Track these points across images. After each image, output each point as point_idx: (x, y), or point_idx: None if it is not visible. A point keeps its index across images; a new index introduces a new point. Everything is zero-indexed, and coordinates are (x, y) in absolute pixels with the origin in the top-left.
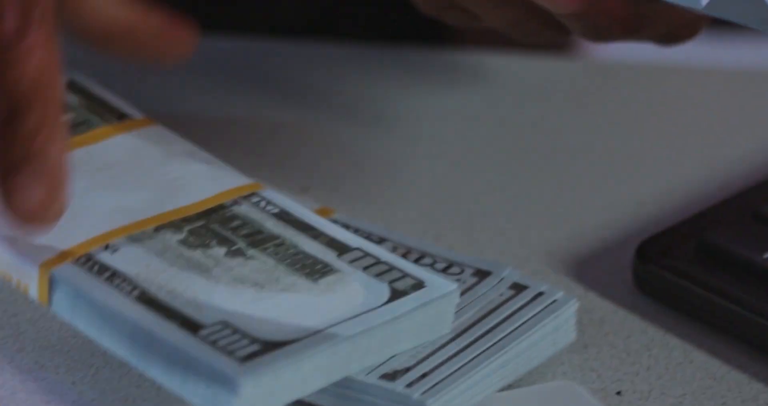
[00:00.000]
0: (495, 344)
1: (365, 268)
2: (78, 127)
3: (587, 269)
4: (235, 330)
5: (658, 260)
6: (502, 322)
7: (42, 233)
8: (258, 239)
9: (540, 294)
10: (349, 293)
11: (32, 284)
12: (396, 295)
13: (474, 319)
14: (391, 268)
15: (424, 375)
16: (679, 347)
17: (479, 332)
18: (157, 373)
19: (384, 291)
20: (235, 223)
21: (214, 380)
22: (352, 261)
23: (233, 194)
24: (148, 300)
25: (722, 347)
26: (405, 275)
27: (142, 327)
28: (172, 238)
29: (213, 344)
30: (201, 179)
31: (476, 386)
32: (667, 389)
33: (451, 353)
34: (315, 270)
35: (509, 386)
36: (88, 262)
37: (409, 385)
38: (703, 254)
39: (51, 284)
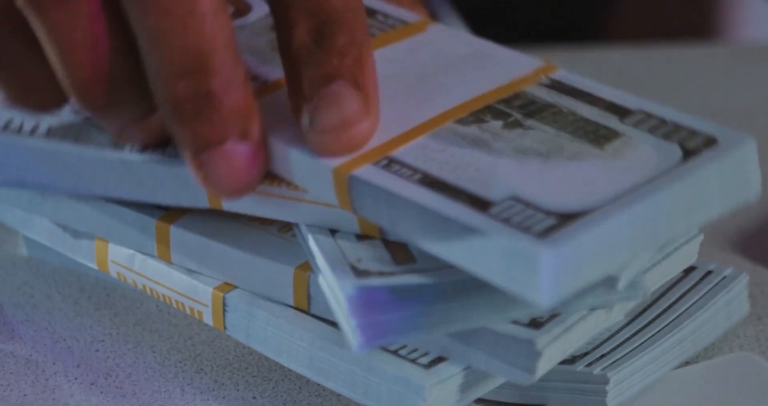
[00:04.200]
0: (670, 323)
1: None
2: None
3: (753, 244)
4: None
5: None
6: (675, 303)
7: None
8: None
9: (709, 273)
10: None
11: (206, 310)
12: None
13: (646, 302)
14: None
15: (602, 356)
16: None
17: (653, 315)
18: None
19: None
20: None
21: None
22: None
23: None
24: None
25: None
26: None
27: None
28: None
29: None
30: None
31: (655, 362)
32: None
33: (626, 336)
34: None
35: (688, 363)
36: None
37: (589, 365)
38: None
39: (225, 308)
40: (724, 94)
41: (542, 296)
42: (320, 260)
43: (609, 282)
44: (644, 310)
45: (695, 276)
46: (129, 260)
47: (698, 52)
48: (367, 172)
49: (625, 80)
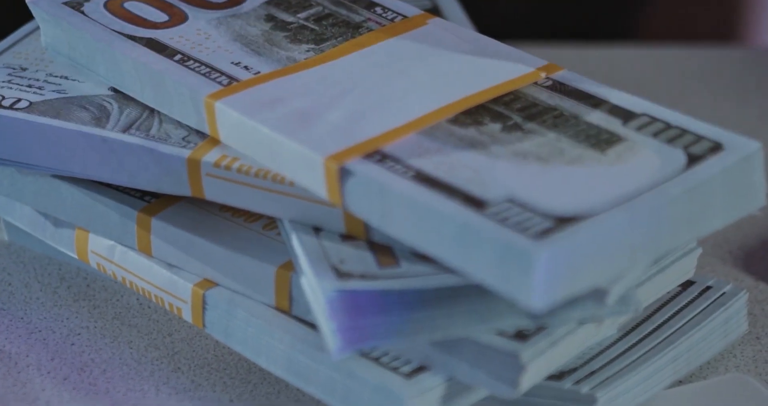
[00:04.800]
0: (664, 340)
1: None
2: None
3: (756, 260)
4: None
5: None
6: (670, 318)
7: None
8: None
9: (708, 288)
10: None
11: (185, 307)
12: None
13: (640, 317)
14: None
15: (592, 373)
16: None
17: (647, 330)
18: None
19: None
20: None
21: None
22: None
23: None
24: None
25: None
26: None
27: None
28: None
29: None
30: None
31: (647, 382)
32: None
33: (618, 352)
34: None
35: (681, 382)
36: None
37: (577, 382)
38: None
39: (204, 306)
40: (741, 98)
41: (534, 298)
42: (302, 260)
43: (598, 295)
44: (638, 325)
45: (693, 291)
46: (109, 252)
47: (717, 54)
48: (359, 164)
49: (640, 81)
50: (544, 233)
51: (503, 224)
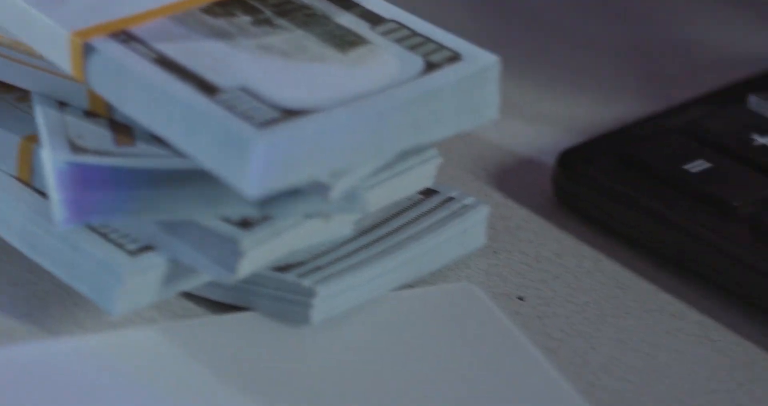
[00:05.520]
0: (397, 244)
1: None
2: None
3: (509, 178)
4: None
5: (578, 169)
6: (407, 224)
7: None
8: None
9: (450, 199)
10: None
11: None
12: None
13: (378, 220)
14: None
15: (318, 268)
16: (590, 256)
17: (382, 233)
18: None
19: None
20: None
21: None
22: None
23: None
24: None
25: (633, 258)
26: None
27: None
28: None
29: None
30: None
31: (372, 282)
32: (571, 297)
33: (348, 251)
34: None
35: (409, 286)
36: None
37: (301, 276)
38: (624, 166)
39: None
40: (525, 17)
41: (249, 185)
42: (42, 132)
43: (322, 190)
44: (374, 227)
45: (435, 200)
46: None
47: None
48: (103, 42)
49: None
50: (267, 123)
51: (230, 110)
